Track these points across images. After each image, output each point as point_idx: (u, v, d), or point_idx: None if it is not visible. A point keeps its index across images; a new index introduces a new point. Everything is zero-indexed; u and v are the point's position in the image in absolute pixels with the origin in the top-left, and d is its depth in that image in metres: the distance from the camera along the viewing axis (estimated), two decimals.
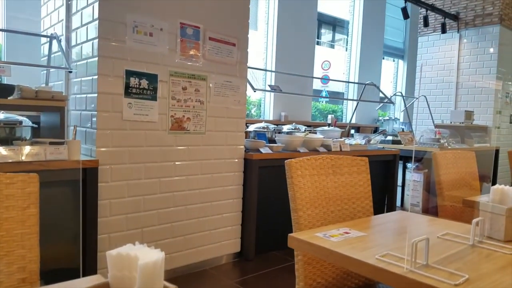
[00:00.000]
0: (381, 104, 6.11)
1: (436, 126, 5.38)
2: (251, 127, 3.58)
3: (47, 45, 2.59)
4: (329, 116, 6.87)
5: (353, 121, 6.74)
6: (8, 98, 2.08)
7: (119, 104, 2.15)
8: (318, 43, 7.23)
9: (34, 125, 2.25)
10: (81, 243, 2.03)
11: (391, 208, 4.04)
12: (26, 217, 0.94)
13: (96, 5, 2.05)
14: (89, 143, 2.17)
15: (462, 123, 5.24)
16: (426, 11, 5.71)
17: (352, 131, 6.36)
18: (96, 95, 2.08)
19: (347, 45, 7.62)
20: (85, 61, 2.19)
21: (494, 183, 5.40)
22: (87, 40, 2.16)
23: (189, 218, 2.49)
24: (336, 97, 7.75)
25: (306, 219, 1.46)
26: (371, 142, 4.27)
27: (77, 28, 2.27)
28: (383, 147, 4.32)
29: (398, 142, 4.76)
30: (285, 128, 4.00)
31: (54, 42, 2.45)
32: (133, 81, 2.19)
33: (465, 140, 5.05)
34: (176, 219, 2.43)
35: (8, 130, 2.04)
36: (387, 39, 8.15)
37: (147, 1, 2.20)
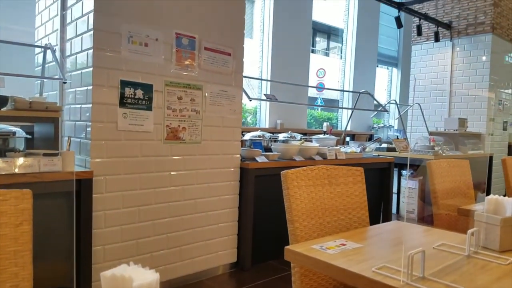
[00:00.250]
0: (376, 112, 6.15)
1: (430, 133, 5.42)
2: (247, 136, 3.58)
3: (41, 55, 2.59)
4: (325, 124, 6.90)
5: (348, 128, 6.77)
6: (2, 109, 2.07)
7: (114, 114, 2.14)
8: (313, 51, 7.28)
9: (28, 136, 2.23)
10: (74, 254, 2.01)
11: (387, 215, 4.05)
12: (19, 234, 0.92)
13: (91, 15, 2.05)
14: (83, 154, 2.16)
15: (456, 130, 5.28)
16: (419, 20, 5.77)
17: (348, 139, 6.39)
18: (90, 105, 2.07)
19: (341, 53, 7.67)
20: (79, 71, 2.18)
21: (488, 190, 5.43)
22: (82, 50, 2.15)
23: (185, 229, 2.47)
24: (331, 105, 7.78)
25: (303, 230, 1.45)
26: (366, 150, 4.29)
27: (71, 38, 2.27)
28: (378, 155, 4.33)
29: (393, 150, 4.79)
30: (281, 136, 4.01)
31: (48, 52, 2.44)
32: (128, 91, 2.19)
33: (459, 147, 5.09)
34: (172, 230, 2.42)
35: (1, 141, 2.02)
36: (381, 48, 8.22)
37: (142, 11, 2.21)
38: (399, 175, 4.83)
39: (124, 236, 2.22)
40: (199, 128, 2.53)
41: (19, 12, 2.95)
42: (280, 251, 1.28)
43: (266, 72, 6.14)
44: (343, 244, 1.27)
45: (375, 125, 7.57)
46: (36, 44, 2.73)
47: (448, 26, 6.04)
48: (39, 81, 2.61)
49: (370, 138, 7.00)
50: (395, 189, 4.68)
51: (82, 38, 2.15)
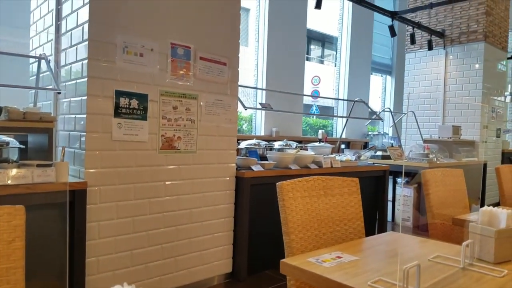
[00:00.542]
0: (370, 120, 6.18)
1: (425, 141, 5.45)
2: (243, 144, 3.58)
3: (35, 64, 2.58)
4: (320, 131, 6.92)
5: (343, 136, 6.79)
6: None
7: (109, 124, 2.13)
8: (307, 59, 7.32)
9: (22, 146, 2.22)
10: (67, 266, 1.99)
11: (382, 223, 4.05)
12: (11, 251, 0.91)
13: (86, 26, 2.05)
14: (77, 164, 2.14)
15: (450, 138, 5.31)
16: (413, 29, 5.83)
17: (343, 146, 6.41)
18: (85, 115, 2.07)
19: (336, 61, 7.72)
20: (74, 82, 2.18)
21: (483, 198, 5.46)
22: (77, 61, 2.15)
23: (180, 239, 2.46)
24: (326, 113, 7.82)
25: (298, 242, 1.45)
26: (361, 158, 4.30)
27: (66, 49, 2.27)
28: (373, 163, 4.35)
29: (388, 157, 4.80)
30: (277, 144, 4.01)
31: (43, 62, 2.43)
32: (123, 101, 2.18)
33: (454, 155, 5.12)
34: (166, 240, 2.40)
35: None
36: (375, 56, 8.28)
37: (137, 22, 2.21)
38: (394, 182, 4.85)
39: (118, 247, 2.20)
40: (195, 138, 2.52)
41: (12, 22, 2.95)
42: (276, 260, 1.28)
43: (262, 79, 6.16)
44: (339, 257, 1.26)
45: (369, 133, 7.61)
46: (30, 53, 2.72)
47: (441, 34, 6.11)
48: (34, 91, 2.60)
49: (365, 145, 7.03)
50: (390, 197, 4.69)
51: (77, 48, 2.15)
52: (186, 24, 2.44)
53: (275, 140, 4.53)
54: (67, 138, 2.26)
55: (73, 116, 2.19)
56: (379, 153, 4.99)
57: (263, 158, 3.33)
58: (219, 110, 2.66)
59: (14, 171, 1.81)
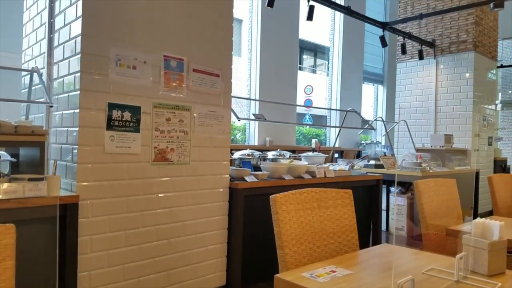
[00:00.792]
0: (363, 129, 6.22)
1: (417, 150, 5.48)
2: (236, 155, 3.57)
3: (27, 77, 2.56)
4: (313, 141, 6.94)
5: (337, 145, 6.82)
6: None
7: (101, 137, 2.12)
8: (300, 68, 7.37)
9: (13, 159, 2.19)
10: (57, 281, 1.96)
11: (376, 233, 4.05)
12: (1, 271, 0.90)
13: (79, 39, 2.05)
14: (69, 178, 2.12)
15: (442, 146, 5.35)
16: (404, 39, 5.90)
17: (336, 155, 6.43)
18: (77, 128, 2.05)
19: (328, 70, 7.79)
20: (66, 95, 2.17)
21: (475, 207, 5.49)
22: (69, 74, 2.14)
23: (173, 252, 2.43)
24: (319, 122, 7.86)
25: (292, 256, 1.44)
26: (355, 167, 4.31)
27: (59, 61, 2.26)
28: (366, 172, 4.36)
29: (381, 166, 4.82)
30: (270, 154, 4.01)
31: (35, 75, 2.42)
32: (116, 113, 2.17)
33: (446, 163, 5.15)
34: (159, 254, 2.38)
35: None
36: (367, 65, 8.37)
37: (130, 35, 2.21)
38: (388, 192, 4.86)
39: (111, 261, 2.18)
40: (188, 149, 2.51)
41: (5, 35, 2.94)
42: (271, 272, 1.27)
43: (255, 89, 6.19)
44: (333, 271, 1.26)
45: (362, 141, 7.65)
46: (23, 66, 2.71)
47: (431, 44, 6.19)
48: (26, 104, 2.58)
49: (358, 154, 7.06)
50: (384, 206, 4.70)
51: (69, 61, 2.14)
52: (179, 37, 2.44)
53: (268, 150, 4.53)
54: (59, 151, 2.24)
55: (65, 129, 2.18)
56: (372, 162, 5.01)
57: (257, 168, 3.32)
58: (212, 121, 2.66)
59: (5, 185, 1.79)
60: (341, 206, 1.70)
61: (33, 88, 2.53)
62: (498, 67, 7.10)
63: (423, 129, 6.27)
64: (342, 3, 7.20)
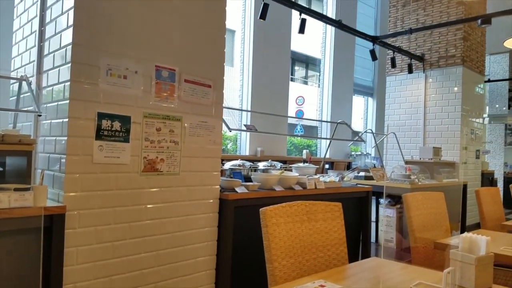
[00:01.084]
0: (353, 141, 6.26)
1: (406, 162, 5.54)
2: (227, 165, 3.56)
3: (16, 84, 2.54)
4: (304, 151, 6.96)
5: (327, 156, 6.85)
6: None
7: (90, 147, 2.10)
8: (292, 79, 7.43)
9: None
10: None
11: (366, 245, 4.05)
12: None
13: (69, 48, 2.04)
14: (56, 188, 2.09)
15: (431, 159, 5.41)
16: (393, 53, 5.99)
17: (327, 166, 6.46)
18: (66, 138, 2.03)
19: (319, 82, 7.86)
20: (56, 103, 2.15)
21: (463, 220, 5.54)
22: (59, 82, 2.12)
23: (161, 264, 2.40)
24: (311, 132, 7.90)
25: (282, 270, 1.43)
26: (345, 179, 4.33)
27: (48, 70, 2.24)
28: (356, 184, 4.38)
29: (371, 178, 4.85)
30: (261, 165, 4.01)
31: (24, 83, 2.40)
32: (105, 123, 2.16)
33: (435, 176, 5.20)
34: (147, 266, 2.34)
35: None
36: (357, 78, 8.47)
37: (122, 45, 2.21)
38: (377, 203, 4.89)
39: (97, 273, 2.14)
40: (178, 159, 2.50)
41: None
42: (260, 285, 1.26)
43: (247, 98, 6.21)
44: (322, 286, 1.25)
45: (353, 153, 7.70)
46: (12, 74, 2.68)
47: (420, 58, 6.30)
48: (14, 112, 2.55)
49: (349, 165, 7.10)
50: (373, 218, 4.72)
51: (59, 70, 2.13)
52: (172, 47, 2.45)
53: (260, 160, 4.53)
54: (47, 161, 2.21)
55: (54, 138, 2.15)
56: (362, 173, 5.04)
57: (248, 179, 3.31)
58: (203, 131, 2.66)
59: None
60: (330, 219, 1.70)
61: (21, 96, 2.50)
62: (485, 81, 7.25)
63: (412, 141, 6.34)
64: (334, 17, 7.30)
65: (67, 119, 2.03)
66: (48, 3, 2.30)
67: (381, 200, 4.87)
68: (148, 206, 2.35)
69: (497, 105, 9.96)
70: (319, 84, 7.85)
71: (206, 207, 2.66)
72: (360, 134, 5.22)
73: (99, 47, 2.11)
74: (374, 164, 6.28)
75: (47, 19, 2.30)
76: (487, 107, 9.94)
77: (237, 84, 6.31)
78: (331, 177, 4.16)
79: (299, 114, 7.39)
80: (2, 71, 2.75)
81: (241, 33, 6.32)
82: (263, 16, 4.07)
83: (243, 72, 6.29)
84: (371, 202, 4.22)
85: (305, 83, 8.37)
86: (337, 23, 4.87)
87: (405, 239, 4.43)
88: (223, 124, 2.89)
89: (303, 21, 4.38)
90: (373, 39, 5.43)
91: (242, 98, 6.27)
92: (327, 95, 7.69)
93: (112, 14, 2.16)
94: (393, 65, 6.02)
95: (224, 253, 2.71)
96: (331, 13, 7.75)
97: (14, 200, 1.82)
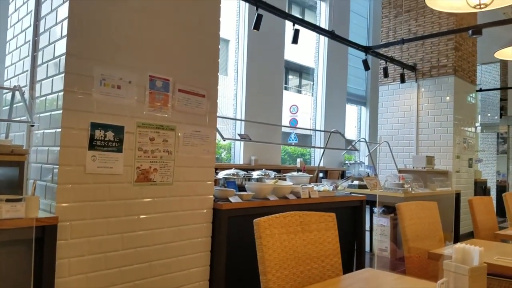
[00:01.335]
0: (346, 150, 6.29)
1: (400, 171, 5.57)
2: (221, 174, 3.55)
3: (9, 94, 2.52)
4: (298, 160, 6.98)
5: (321, 164, 6.87)
6: None
7: (83, 157, 2.08)
8: (286, 88, 7.47)
9: None
10: None
11: (360, 254, 4.05)
12: None
13: (63, 58, 2.04)
14: (49, 198, 2.07)
15: (424, 168, 5.45)
16: (386, 63, 6.06)
17: (321, 175, 6.47)
18: (58, 148, 2.02)
19: (313, 91, 7.90)
20: (49, 113, 2.14)
21: (456, 229, 5.56)
22: (52, 92, 2.12)
23: (153, 276, 2.38)
24: (304, 141, 7.93)
25: (276, 282, 1.43)
26: (339, 188, 4.34)
27: (42, 80, 2.23)
28: (350, 193, 4.39)
29: (364, 187, 4.87)
30: (255, 174, 4.00)
31: (17, 93, 2.38)
32: (98, 133, 2.15)
33: (428, 184, 5.23)
34: (140, 277, 2.32)
35: None
36: (350, 87, 8.54)
37: (116, 55, 2.21)
38: (371, 212, 4.90)
39: (89, 284, 2.11)
40: (171, 169, 2.49)
41: None
42: None
43: (241, 107, 6.23)
44: None
45: (346, 161, 7.73)
46: (5, 83, 2.67)
47: (413, 68, 6.37)
48: (6, 122, 2.53)
49: (342, 174, 7.12)
50: (368, 227, 4.72)
51: (52, 80, 2.12)
52: (166, 57, 2.45)
53: (254, 169, 4.53)
54: (39, 171, 2.19)
55: (46, 148, 2.14)
56: (356, 182, 5.05)
57: (242, 188, 3.31)
58: (197, 141, 2.65)
59: None
60: (324, 230, 1.70)
61: (14, 106, 2.49)
62: (477, 90, 7.34)
63: (405, 150, 6.38)
64: (327, 27, 7.38)
65: (60, 129, 2.02)
66: (42, 13, 2.30)
67: (375, 209, 4.88)
68: (141, 216, 2.33)
69: (489, 114, 10.08)
70: (312, 93, 7.90)
71: (199, 217, 2.65)
72: (353, 143, 5.25)
73: (93, 57, 2.11)
74: (368, 173, 6.30)
75: (41, 29, 2.30)
76: (479, 116, 10.05)
77: (231, 92, 6.33)
78: (325, 186, 4.16)
79: (293, 123, 7.42)
80: None
81: (235, 42, 6.36)
82: (256, 26, 4.11)
83: (237, 81, 6.31)
84: (365, 211, 4.22)
85: (299, 92, 8.42)
86: (330, 34, 4.93)
87: (400, 249, 4.44)
88: (217, 133, 2.89)
89: (296, 32, 4.42)
90: (366, 49, 5.49)
91: (236, 106, 6.29)
92: (321, 104, 7.74)
93: (106, 24, 2.17)
94: (386, 74, 6.08)
95: (217, 264, 2.69)
96: (324, 23, 7.83)
97: (6, 211, 1.80)
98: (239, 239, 2.82)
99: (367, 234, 4.71)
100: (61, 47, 2.06)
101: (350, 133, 8.80)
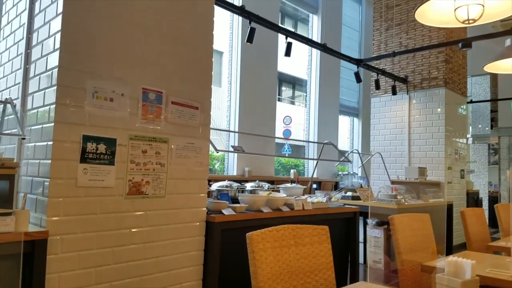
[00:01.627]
0: (339, 162, 6.32)
1: (392, 182, 5.59)
2: (214, 186, 3.54)
3: (1, 107, 2.50)
4: (292, 171, 6.98)
5: (315, 175, 6.87)
6: None
7: (74, 170, 2.07)
8: (279, 99, 7.51)
9: None
10: None
11: (354, 266, 4.03)
12: None
13: (56, 71, 2.03)
14: (39, 212, 2.05)
15: (417, 179, 5.47)
16: (377, 75, 6.13)
17: (314, 186, 6.47)
18: (50, 161, 2.00)
19: (306, 102, 7.95)
20: (40, 126, 2.12)
21: (449, 240, 5.56)
22: (44, 105, 2.11)
23: None
24: (298, 152, 7.94)
25: None
26: (332, 199, 4.33)
27: (34, 92, 2.22)
28: (343, 204, 4.39)
29: (358, 198, 4.87)
30: (248, 186, 3.99)
31: (9, 105, 2.37)
32: (90, 146, 2.13)
33: (421, 195, 5.25)
34: None
35: None
36: (343, 99, 8.61)
37: (108, 67, 2.21)
38: (365, 224, 4.89)
39: None
40: (164, 182, 2.48)
41: None
42: None
43: (234, 118, 6.24)
44: None
45: (340, 172, 7.75)
46: None
47: (404, 80, 6.45)
48: None
49: (336, 185, 7.13)
50: (361, 238, 4.71)
51: (45, 92, 2.11)
52: (159, 70, 2.46)
53: (247, 180, 4.52)
54: (30, 184, 2.17)
55: (37, 161, 2.12)
56: (349, 193, 5.06)
57: (235, 200, 3.29)
58: (190, 153, 2.65)
59: None
60: (317, 243, 1.70)
61: (6, 118, 2.47)
62: (468, 102, 7.44)
63: (397, 161, 6.42)
64: (319, 40, 7.46)
65: (51, 142, 2.01)
66: (35, 26, 2.31)
67: (368, 221, 4.88)
68: (133, 230, 2.31)
69: (479, 125, 10.20)
70: (305, 104, 7.94)
71: (192, 230, 2.62)
72: (346, 154, 5.27)
73: (85, 70, 2.11)
74: (361, 184, 6.32)
75: (34, 42, 2.30)
76: (470, 128, 10.17)
77: (225, 104, 6.35)
78: (319, 197, 4.16)
79: (287, 134, 7.44)
80: None
81: (229, 54, 6.40)
82: (250, 39, 4.14)
83: (231, 92, 6.34)
84: (359, 222, 4.22)
85: (292, 103, 8.46)
86: (322, 47, 4.98)
87: (393, 261, 4.43)
88: (210, 145, 2.89)
89: (289, 45, 4.46)
90: (358, 62, 5.55)
91: (230, 118, 6.30)
92: (314, 115, 7.78)
93: (99, 37, 2.17)
94: (377, 87, 6.14)
95: (210, 278, 2.66)
96: (316, 36, 7.92)
97: None
98: (232, 252, 2.80)
99: (361, 245, 4.70)
100: (54, 59, 2.06)
101: (343, 144, 8.84)
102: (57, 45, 2.04)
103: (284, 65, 7.38)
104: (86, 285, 2.10)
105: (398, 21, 6.62)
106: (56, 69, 2.02)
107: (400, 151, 6.41)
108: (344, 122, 8.87)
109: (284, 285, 1.48)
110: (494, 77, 10.03)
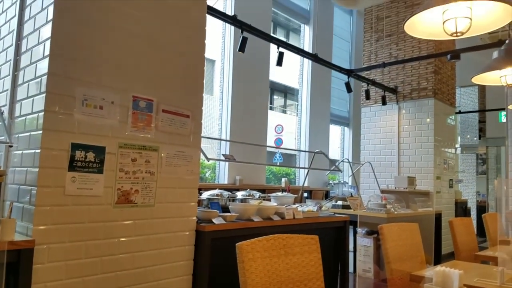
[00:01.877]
0: (329, 171, 6.34)
1: (382, 191, 5.62)
2: (204, 195, 3.52)
3: None
4: (283, 180, 6.99)
5: (306, 184, 6.88)
6: None
7: (62, 178, 2.04)
8: (271, 108, 7.54)
9: None
10: None
11: (344, 275, 4.03)
12: None
13: (45, 78, 2.02)
14: (26, 220, 2.01)
15: (406, 188, 5.51)
16: (368, 85, 6.19)
17: (305, 195, 6.48)
18: (37, 169, 1.97)
19: (297, 111, 7.99)
20: (28, 134, 2.10)
21: (437, 249, 5.60)
22: (32, 113, 2.08)
23: None
24: (289, 160, 7.96)
25: None
26: (323, 208, 4.34)
27: (22, 100, 2.20)
28: (334, 213, 4.40)
29: (348, 207, 4.89)
30: (239, 194, 3.98)
31: None
32: (79, 154, 2.11)
33: (410, 205, 5.29)
34: None
35: None
36: (334, 108, 8.67)
37: (98, 75, 2.20)
38: (355, 233, 4.90)
39: None
40: (153, 190, 2.46)
41: None
42: None
43: (226, 126, 6.24)
44: None
45: (330, 181, 7.78)
46: None
47: (394, 90, 6.52)
48: None
49: (327, 194, 7.14)
50: (351, 247, 4.72)
51: (33, 100, 2.09)
52: (150, 78, 2.45)
53: (238, 189, 4.51)
54: (17, 192, 2.13)
55: (25, 169, 2.09)
56: (339, 202, 5.07)
57: (226, 209, 3.28)
58: (181, 161, 2.63)
59: None
60: (307, 253, 1.70)
61: None
62: (456, 113, 7.54)
63: (387, 170, 6.47)
64: (310, 50, 7.53)
65: (39, 150, 1.98)
66: (25, 33, 2.29)
67: (358, 230, 4.89)
68: (121, 239, 2.28)
69: (468, 136, 10.34)
70: (297, 113, 7.98)
71: (181, 239, 2.60)
72: (336, 164, 5.29)
73: (75, 77, 2.10)
74: (351, 193, 6.34)
75: (23, 49, 2.28)
76: (459, 138, 10.31)
77: (216, 112, 6.35)
78: (309, 206, 4.16)
79: (278, 142, 7.46)
80: None
81: (220, 62, 6.42)
82: (242, 49, 4.16)
83: (223, 100, 6.34)
84: (349, 231, 4.23)
85: (284, 112, 8.50)
86: (313, 57, 5.02)
87: (382, 270, 4.43)
88: (201, 154, 2.88)
89: (280, 54, 4.50)
90: (348, 72, 5.61)
91: (221, 126, 6.30)
92: (305, 124, 7.82)
93: (89, 45, 2.16)
94: (368, 97, 6.21)
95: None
96: (308, 46, 7.99)
97: None
98: (222, 261, 2.78)
99: (351, 254, 4.70)
100: (43, 66, 2.05)
101: (334, 153, 8.89)
102: (47, 52, 2.03)
103: (276, 74, 7.43)
104: None
105: (388, 32, 6.72)
106: (46, 76, 2.01)
107: (389, 160, 6.46)
108: (335, 131, 8.93)
109: None
110: (482, 88, 10.20)
